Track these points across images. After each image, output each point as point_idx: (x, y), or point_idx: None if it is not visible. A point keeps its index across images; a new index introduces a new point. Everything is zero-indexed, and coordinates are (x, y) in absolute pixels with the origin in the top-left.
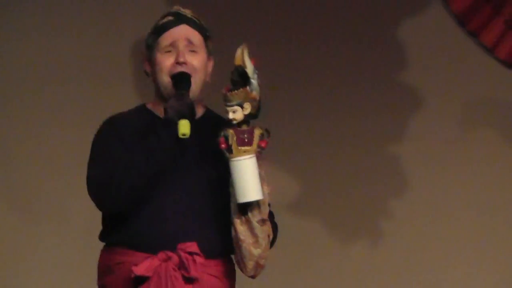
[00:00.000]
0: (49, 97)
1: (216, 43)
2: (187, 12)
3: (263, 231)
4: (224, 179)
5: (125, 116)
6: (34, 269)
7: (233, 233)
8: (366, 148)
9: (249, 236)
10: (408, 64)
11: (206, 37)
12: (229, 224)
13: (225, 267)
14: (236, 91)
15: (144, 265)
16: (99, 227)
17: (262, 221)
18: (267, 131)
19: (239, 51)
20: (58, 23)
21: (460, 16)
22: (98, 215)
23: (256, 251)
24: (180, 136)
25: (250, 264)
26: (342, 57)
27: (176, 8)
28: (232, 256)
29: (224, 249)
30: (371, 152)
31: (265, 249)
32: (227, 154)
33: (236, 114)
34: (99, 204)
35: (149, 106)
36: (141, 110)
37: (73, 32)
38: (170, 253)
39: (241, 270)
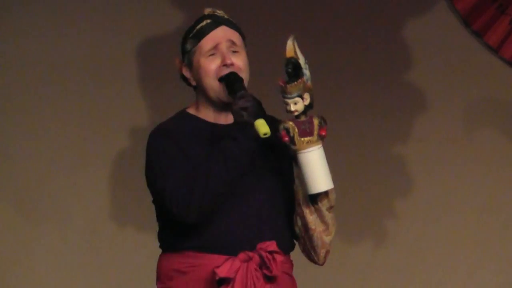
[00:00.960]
0: (51, 96)
1: None
2: (222, 13)
3: (332, 218)
4: (286, 174)
5: (173, 124)
6: (36, 269)
7: (299, 222)
8: (369, 148)
9: (319, 224)
10: (413, 64)
11: (243, 37)
12: (291, 220)
13: (292, 263)
14: (295, 82)
15: (226, 267)
16: (101, 227)
17: (330, 208)
18: (323, 119)
19: (289, 43)
20: (60, 23)
21: (464, 16)
22: (99, 214)
23: (327, 238)
24: (262, 136)
25: (322, 252)
26: (346, 57)
27: (210, 10)
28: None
29: (292, 245)
30: (374, 152)
31: (334, 235)
32: (292, 147)
33: (298, 105)
34: (182, 217)
35: (191, 111)
36: (185, 116)
37: (75, 32)
38: (251, 253)
39: (312, 259)
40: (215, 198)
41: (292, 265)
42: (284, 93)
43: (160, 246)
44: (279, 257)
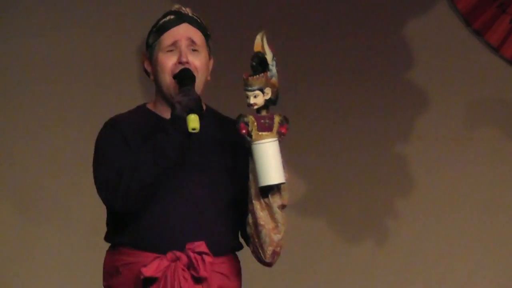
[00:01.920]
0: (52, 96)
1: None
2: (188, 11)
3: (283, 217)
4: (236, 174)
5: (127, 116)
6: (37, 269)
7: (250, 220)
8: (370, 147)
9: (269, 221)
10: (413, 63)
11: (207, 36)
12: (238, 220)
13: (233, 264)
14: (257, 76)
15: (153, 266)
16: (102, 227)
17: (282, 207)
18: (285, 118)
19: (258, 38)
20: (61, 22)
21: (465, 15)
22: (100, 214)
23: (276, 237)
24: (190, 130)
25: (269, 250)
26: (346, 56)
27: (176, 7)
28: (237, 253)
29: (232, 246)
30: (375, 151)
31: (283, 236)
32: (248, 139)
33: (257, 98)
34: (110, 206)
35: (150, 106)
36: (142, 110)
37: (75, 32)
38: (178, 253)
39: (259, 258)
40: (141, 188)
41: (233, 266)
42: (245, 86)
43: (104, 239)
44: (208, 258)
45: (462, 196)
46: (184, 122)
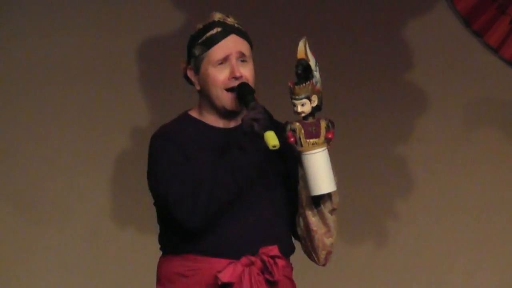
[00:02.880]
0: (53, 97)
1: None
2: (232, 21)
3: (334, 221)
4: (289, 177)
5: (175, 127)
6: (36, 270)
7: (301, 224)
8: (369, 148)
9: (321, 226)
10: (413, 63)
11: (252, 45)
12: (292, 222)
13: (291, 267)
14: (303, 84)
15: (229, 271)
16: (100, 228)
17: (333, 211)
18: (331, 122)
19: (301, 44)
20: (62, 23)
21: (465, 16)
22: (99, 215)
23: (328, 241)
24: (271, 148)
25: (323, 254)
26: (346, 56)
27: (220, 16)
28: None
29: (292, 249)
30: (375, 152)
31: (336, 237)
32: (297, 148)
33: (305, 107)
34: (186, 222)
35: (194, 114)
36: (188, 119)
37: (76, 32)
38: (253, 258)
39: (313, 260)
40: (220, 207)
41: (292, 269)
42: (292, 94)
43: (161, 249)
44: (281, 262)
45: (461, 196)
46: (262, 140)
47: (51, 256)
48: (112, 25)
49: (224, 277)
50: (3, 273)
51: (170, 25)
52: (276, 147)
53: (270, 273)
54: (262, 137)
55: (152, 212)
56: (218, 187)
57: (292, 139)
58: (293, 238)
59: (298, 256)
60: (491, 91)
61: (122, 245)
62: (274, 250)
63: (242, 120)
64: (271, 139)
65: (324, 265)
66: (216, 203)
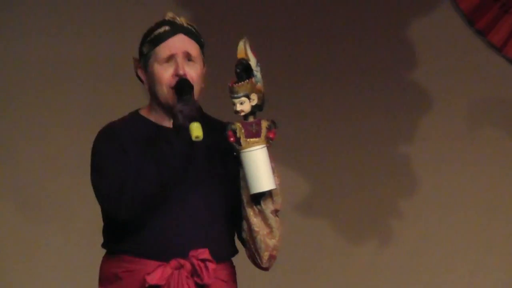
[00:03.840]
0: (54, 97)
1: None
2: (183, 21)
3: (277, 221)
4: (229, 180)
5: (121, 124)
6: (39, 269)
7: (245, 226)
8: (373, 148)
9: (263, 227)
10: (416, 63)
11: (202, 45)
12: (234, 225)
13: (231, 270)
14: (242, 82)
15: (157, 274)
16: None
17: (275, 212)
18: (273, 122)
19: (241, 44)
20: (63, 23)
21: (468, 15)
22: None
23: (271, 242)
24: (194, 139)
25: (265, 256)
26: (350, 56)
27: (171, 15)
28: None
29: (230, 252)
30: (378, 152)
31: (279, 239)
32: (237, 147)
33: (244, 105)
34: (113, 216)
35: (144, 113)
36: (137, 118)
37: (77, 32)
38: (182, 261)
39: (256, 263)
40: (145, 198)
41: (232, 271)
42: (231, 93)
43: (102, 246)
44: (211, 265)
45: (465, 196)
46: (187, 132)
47: (54, 255)
48: (114, 24)
49: (152, 279)
50: (6, 273)
51: None
52: (199, 139)
53: (199, 276)
54: (187, 129)
55: None
56: (141, 179)
57: (232, 139)
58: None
59: (301, 256)
60: (495, 90)
61: None
62: (204, 253)
63: (171, 113)
64: (195, 130)
65: (267, 268)
66: (140, 194)
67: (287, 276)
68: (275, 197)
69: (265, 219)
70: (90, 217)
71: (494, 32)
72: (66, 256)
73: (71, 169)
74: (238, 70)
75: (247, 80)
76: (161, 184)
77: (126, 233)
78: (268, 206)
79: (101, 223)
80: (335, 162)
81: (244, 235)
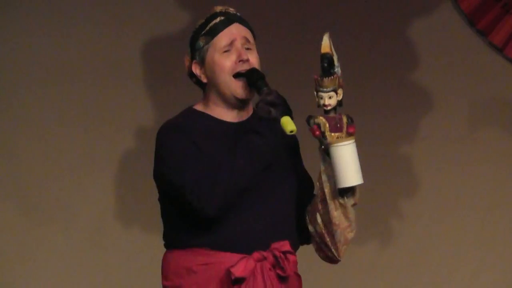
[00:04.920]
0: (56, 97)
1: None
2: (234, 11)
3: (355, 215)
4: (293, 172)
5: (183, 120)
6: (40, 269)
7: (319, 220)
8: (374, 147)
9: (343, 220)
10: (417, 63)
11: (255, 36)
12: (301, 219)
13: (297, 262)
14: (331, 77)
15: (241, 266)
16: (105, 227)
17: (354, 205)
18: (350, 117)
19: (325, 39)
20: (63, 23)
21: (469, 15)
22: (104, 214)
23: (349, 235)
24: (288, 133)
25: (343, 249)
26: (351, 56)
27: (221, 8)
28: None
29: (298, 245)
30: (379, 151)
31: (355, 233)
32: (324, 141)
33: (332, 100)
34: (204, 210)
35: (200, 108)
36: (195, 113)
37: (78, 32)
38: (265, 253)
39: (330, 257)
40: (238, 192)
41: (298, 264)
42: (320, 87)
43: (166, 245)
44: (292, 257)
45: (466, 196)
46: (279, 125)
47: (55, 256)
48: (116, 24)
49: (237, 271)
50: (8, 273)
51: (174, 24)
52: (294, 132)
53: (281, 268)
54: (278, 122)
55: (157, 211)
56: (236, 173)
57: (317, 133)
58: None
59: (302, 256)
60: (496, 91)
61: (127, 244)
62: (286, 245)
63: (257, 105)
64: (289, 124)
65: (339, 261)
66: (234, 188)
67: None
68: (357, 191)
69: (346, 213)
70: (92, 217)
71: (495, 33)
72: (67, 256)
73: (71, 169)
74: (325, 65)
75: (335, 75)
76: (254, 177)
77: (203, 226)
78: (350, 200)
79: (102, 223)
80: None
81: (314, 229)
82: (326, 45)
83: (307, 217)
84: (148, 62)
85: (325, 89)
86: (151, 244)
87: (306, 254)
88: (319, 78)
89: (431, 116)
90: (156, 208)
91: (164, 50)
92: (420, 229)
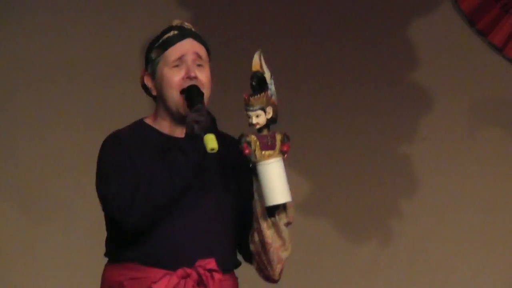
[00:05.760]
0: (56, 97)
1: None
2: (190, 26)
3: (289, 234)
4: (238, 192)
5: (127, 132)
6: (41, 269)
7: (256, 238)
8: (373, 147)
9: (276, 239)
10: (417, 63)
11: (209, 52)
12: (239, 237)
13: (235, 281)
14: (258, 95)
15: (164, 282)
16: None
17: (288, 224)
18: (286, 135)
19: (256, 57)
20: (63, 23)
21: (469, 15)
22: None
23: (283, 254)
24: (209, 151)
25: (278, 268)
26: (351, 55)
27: (178, 22)
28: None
29: (235, 263)
30: (378, 151)
31: (290, 252)
32: (252, 159)
33: (259, 118)
34: (122, 224)
35: (149, 121)
36: (141, 126)
37: (79, 32)
38: (189, 270)
39: (266, 275)
40: (156, 208)
41: (235, 283)
42: (247, 106)
43: (105, 255)
44: (217, 275)
45: (465, 196)
46: (202, 142)
47: (55, 255)
48: (116, 24)
49: (158, 287)
50: (8, 273)
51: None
52: (214, 150)
53: (205, 286)
54: (202, 140)
55: None
56: (154, 188)
57: (247, 151)
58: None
59: (301, 256)
60: (495, 91)
61: None
62: (211, 263)
63: (185, 122)
64: (210, 141)
65: (277, 281)
66: (152, 203)
67: (287, 276)
68: (289, 210)
69: (278, 231)
70: (91, 217)
71: (495, 33)
72: (67, 256)
73: (72, 169)
74: (253, 83)
75: (263, 93)
76: (173, 193)
77: (132, 240)
78: (281, 218)
79: (102, 224)
80: (335, 161)
81: (253, 247)
82: (256, 63)
83: (249, 236)
84: None
85: (251, 108)
86: None
87: (306, 254)
88: (246, 97)
89: (430, 116)
90: None
91: None
92: (420, 229)
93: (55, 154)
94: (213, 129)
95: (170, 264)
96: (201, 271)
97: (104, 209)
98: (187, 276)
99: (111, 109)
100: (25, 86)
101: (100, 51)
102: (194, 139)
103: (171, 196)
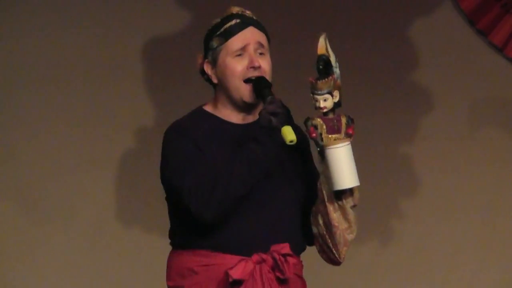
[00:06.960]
0: (56, 96)
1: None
2: (251, 14)
3: (355, 217)
4: (304, 176)
5: (190, 121)
6: (41, 269)
7: (320, 221)
8: (374, 146)
9: (342, 222)
10: (418, 63)
11: (269, 40)
12: (305, 220)
13: (302, 265)
14: (325, 79)
15: (240, 268)
16: (105, 226)
17: (353, 207)
18: (350, 118)
19: (322, 40)
20: (64, 22)
21: (469, 15)
22: (104, 214)
23: (349, 237)
24: (288, 143)
25: (344, 250)
26: (351, 55)
27: (238, 9)
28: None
29: (303, 247)
30: (379, 150)
31: (356, 234)
32: (320, 143)
33: (327, 102)
34: (200, 215)
35: (209, 109)
36: (203, 114)
37: (79, 31)
38: (264, 255)
39: (331, 258)
40: (235, 200)
41: (302, 267)
42: (314, 90)
43: (171, 243)
44: (292, 260)
45: (466, 195)
46: (279, 134)
47: (55, 255)
48: (117, 24)
49: (235, 273)
50: (7, 273)
51: (175, 24)
52: (293, 142)
53: (281, 271)
54: (279, 132)
55: (157, 211)
56: (234, 180)
57: (314, 135)
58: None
59: (305, 255)
60: (496, 90)
61: (127, 244)
62: (285, 248)
63: (260, 113)
64: (289, 134)
65: (341, 263)
66: (232, 196)
67: None
68: (355, 193)
69: (345, 214)
70: (92, 217)
71: (495, 32)
72: (67, 256)
73: (72, 169)
74: (320, 67)
75: (330, 77)
76: (251, 184)
77: (204, 229)
78: (348, 202)
79: (102, 223)
80: None
81: (318, 229)
82: (322, 46)
83: (311, 218)
84: (148, 62)
85: (319, 92)
86: (151, 244)
87: (306, 255)
88: (313, 81)
89: (431, 116)
90: (155, 208)
91: (164, 50)
92: (420, 229)
93: (55, 154)
94: (289, 121)
95: (244, 250)
96: (276, 256)
97: (178, 202)
98: (262, 261)
99: (111, 109)
100: (25, 85)
101: (100, 52)
102: (272, 131)
103: (249, 188)
